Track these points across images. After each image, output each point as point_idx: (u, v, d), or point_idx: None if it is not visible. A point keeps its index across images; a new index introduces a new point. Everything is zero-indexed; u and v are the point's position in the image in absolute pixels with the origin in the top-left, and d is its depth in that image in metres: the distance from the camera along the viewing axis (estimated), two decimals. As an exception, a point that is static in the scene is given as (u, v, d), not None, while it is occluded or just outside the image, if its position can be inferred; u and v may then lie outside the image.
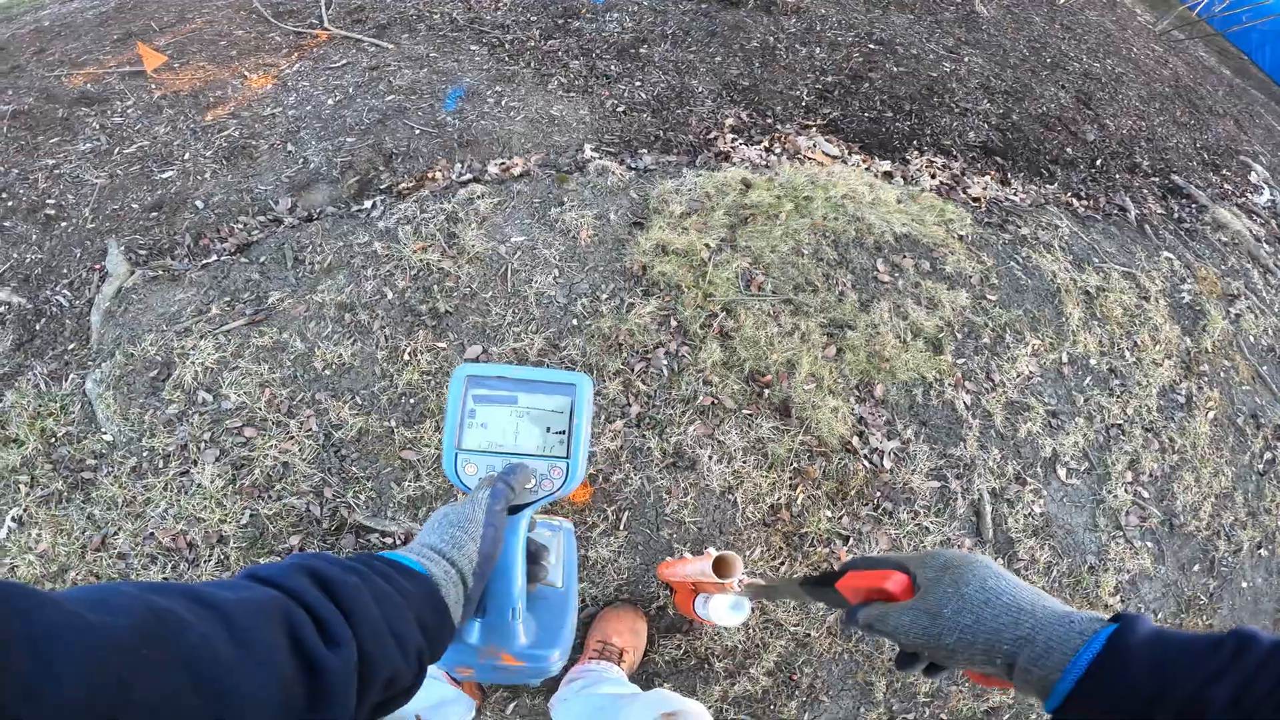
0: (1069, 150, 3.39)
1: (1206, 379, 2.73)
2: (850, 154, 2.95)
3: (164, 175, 2.69)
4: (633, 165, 2.66)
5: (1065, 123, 3.52)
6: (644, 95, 3.06)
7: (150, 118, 2.98)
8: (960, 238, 2.74)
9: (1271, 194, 4.05)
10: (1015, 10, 4.44)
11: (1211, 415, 2.65)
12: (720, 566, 1.29)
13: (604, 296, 2.22)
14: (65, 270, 2.37)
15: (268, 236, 2.42)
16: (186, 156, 2.77)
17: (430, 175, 2.57)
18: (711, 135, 2.88)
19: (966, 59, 3.70)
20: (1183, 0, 6.12)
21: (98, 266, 2.37)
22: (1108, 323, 2.69)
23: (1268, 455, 2.69)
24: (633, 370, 2.12)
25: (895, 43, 3.64)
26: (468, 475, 0.70)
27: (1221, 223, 3.50)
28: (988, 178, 3.08)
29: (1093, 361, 2.57)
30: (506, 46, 3.39)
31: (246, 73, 3.32)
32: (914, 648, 0.61)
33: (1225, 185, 3.85)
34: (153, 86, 3.19)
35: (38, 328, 2.20)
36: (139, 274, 2.30)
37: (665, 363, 2.13)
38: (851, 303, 2.35)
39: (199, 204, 2.57)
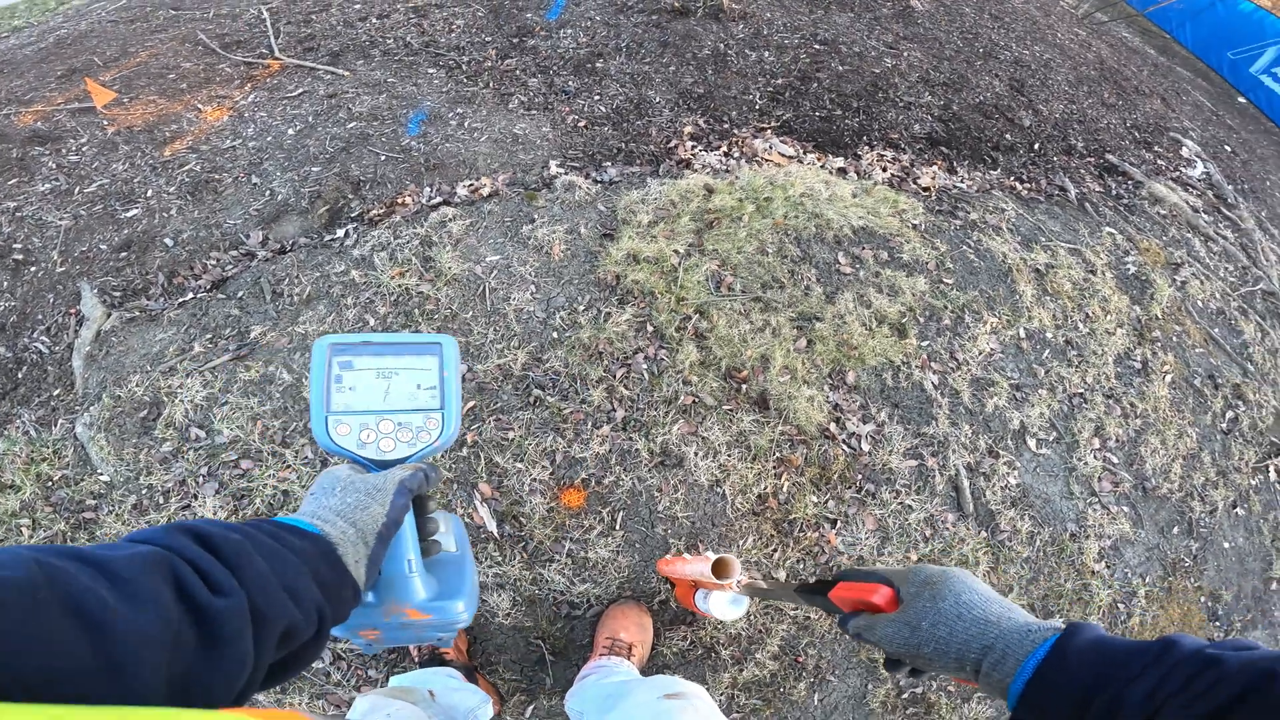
0: (1008, 136, 3.55)
1: (1160, 344, 2.89)
2: (805, 153, 3.07)
3: (129, 214, 2.69)
4: (598, 179, 2.74)
5: (1002, 110, 3.69)
6: (603, 109, 3.14)
7: (107, 155, 2.97)
8: (914, 226, 2.87)
9: (1204, 166, 4.28)
10: (947, 3, 4.63)
11: (1169, 379, 2.81)
12: (719, 568, 1.33)
13: (581, 308, 2.29)
14: (40, 316, 2.36)
15: (242, 271, 2.45)
16: (149, 193, 2.77)
17: (400, 200, 2.62)
18: (672, 144, 2.97)
19: (906, 54, 3.86)
20: None
21: (73, 310, 2.37)
22: (1059, 297, 2.84)
23: (1229, 414, 2.85)
24: (614, 377, 2.19)
25: (839, 42, 3.78)
26: (340, 435, 0.70)
27: (1158, 197, 3.70)
28: (935, 167, 3.23)
29: (1049, 335, 2.71)
30: (464, 68, 3.44)
31: (200, 105, 3.32)
32: (897, 656, 0.68)
33: (1159, 161, 4.06)
34: (105, 123, 3.18)
35: (20, 376, 2.20)
36: (116, 316, 2.31)
37: (645, 367, 2.21)
38: (817, 295, 2.46)
39: (168, 241, 2.58)
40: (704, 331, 2.30)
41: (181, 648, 0.40)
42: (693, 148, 2.96)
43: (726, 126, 3.11)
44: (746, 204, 2.61)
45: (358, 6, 4.13)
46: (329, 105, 3.21)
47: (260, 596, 0.46)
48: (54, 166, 2.91)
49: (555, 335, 2.24)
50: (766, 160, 2.97)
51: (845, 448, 2.26)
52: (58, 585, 0.35)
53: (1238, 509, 2.64)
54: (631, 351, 2.24)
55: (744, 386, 2.26)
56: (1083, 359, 2.71)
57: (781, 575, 2.03)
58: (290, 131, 3.05)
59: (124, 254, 2.55)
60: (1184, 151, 4.36)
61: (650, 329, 2.28)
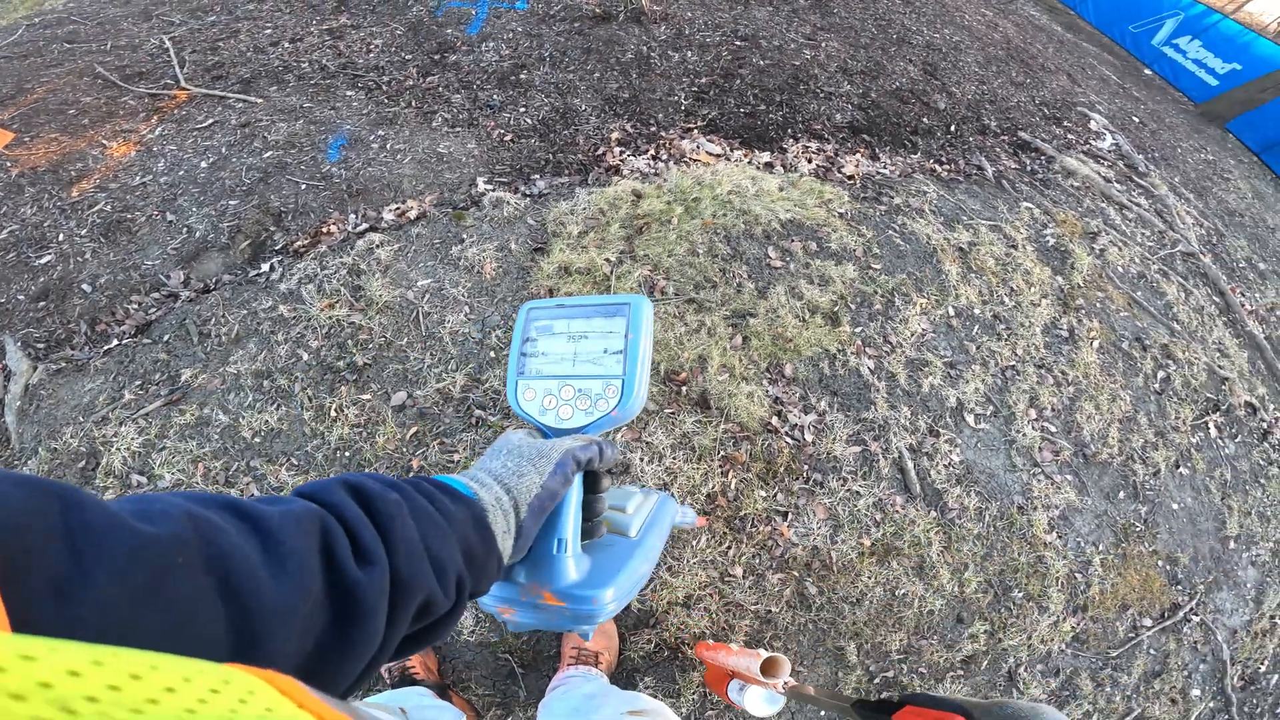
0: (925, 120, 3.67)
1: (1084, 312, 3.02)
2: (732, 150, 3.12)
3: (42, 260, 2.60)
4: (527, 192, 2.74)
5: (917, 95, 3.80)
6: (529, 121, 3.13)
7: (13, 199, 2.85)
8: (840, 215, 2.94)
9: (1113, 138, 4.48)
10: (860, -7, 4.76)
11: (1096, 344, 2.93)
12: (769, 668, 1.30)
13: (518, 324, 2.29)
14: None
15: (166, 314, 2.38)
16: (61, 238, 2.67)
17: (325, 230, 2.58)
18: (599, 151, 2.99)
19: (824, 44, 3.94)
20: None
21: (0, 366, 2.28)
22: (984, 274, 2.94)
23: (1161, 374, 2.97)
24: (557, 389, 2.20)
25: (759, 37, 3.84)
26: (526, 400, 0.70)
27: (1070, 170, 3.86)
28: (858, 155, 3.31)
29: (977, 311, 2.81)
30: (384, 88, 3.40)
31: (105, 141, 3.21)
32: None
33: (1069, 136, 4.23)
34: (7, 164, 3.05)
35: None
36: (42, 368, 2.24)
37: (586, 377, 2.22)
38: (750, 292, 2.51)
39: (86, 287, 2.49)
40: (642, 337, 2.32)
41: (315, 621, 0.40)
42: (621, 153, 2.98)
43: (653, 130, 3.14)
44: (675, 206, 2.64)
45: (268, 31, 4.04)
46: (242, 135, 3.13)
47: (405, 565, 0.45)
48: (-42, 215, 2.79)
49: (493, 355, 2.24)
50: (694, 160, 3.01)
51: (789, 440, 2.30)
52: (207, 543, 0.34)
53: (1181, 469, 2.72)
54: (571, 363, 2.25)
55: (684, 388, 2.29)
56: (1011, 332, 2.81)
57: (748, 594, 2.06)
58: (203, 164, 2.97)
59: (42, 303, 2.46)
60: (1092, 125, 4.55)
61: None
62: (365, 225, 2.58)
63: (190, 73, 3.63)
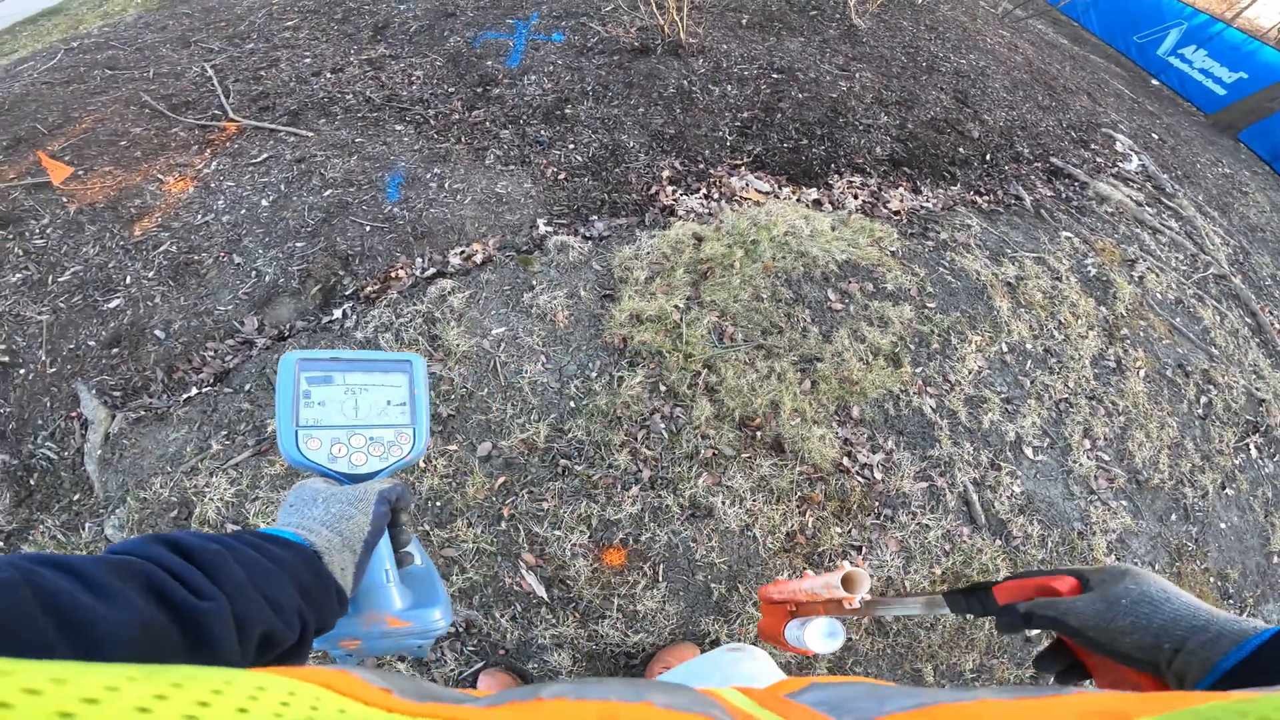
0: (961, 149, 3.72)
1: (1129, 341, 3.08)
2: (780, 188, 3.16)
3: (111, 305, 2.60)
4: (587, 235, 2.78)
5: (952, 124, 3.86)
6: (580, 158, 3.17)
7: (74, 237, 2.85)
8: (893, 254, 2.99)
9: (1139, 159, 4.55)
10: (885, 18, 4.81)
11: (1143, 373, 2.99)
12: (850, 582, 1.31)
13: (593, 375, 2.33)
14: (40, 420, 2.27)
15: (244, 361, 2.40)
16: (128, 280, 2.68)
17: (394, 274, 2.61)
18: (652, 190, 3.03)
19: (858, 75, 3.99)
20: None
21: (74, 414, 2.28)
22: (1033, 308, 3.00)
23: (1204, 399, 3.05)
24: (636, 439, 2.24)
25: (795, 69, 3.89)
26: (310, 449, 0.71)
27: (1104, 195, 3.92)
28: (901, 189, 3.36)
29: (1029, 346, 2.86)
30: (432, 123, 3.43)
31: (160, 175, 3.22)
32: (1082, 629, 0.63)
33: (1097, 159, 4.30)
34: (64, 200, 3.05)
35: (32, 483, 2.12)
36: (120, 417, 2.24)
37: (663, 426, 2.26)
38: (815, 336, 2.55)
39: (159, 333, 2.51)
40: (714, 385, 2.36)
41: (166, 649, 0.40)
42: (673, 192, 3.02)
43: (702, 166, 3.18)
44: (735, 249, 2.69)
45: (308, 60, 4.06)
46: (299, 171, 3.16)
47: (239, 600, 0.46)
48: (20, 253, 2.78)
49: (573, 405, 2.28)
50: (745, 198, 3.05)
51: (860, 478, 2.35)
52: (35, 586, 0.35)
53: (1227, 489, 2.82)
54: (648, 413, 2.29)
55: (759, 433, 2.33)
56: (1062, 365, 2.87)
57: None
58: (264, 203, 2.99)
59: (115, 350, 2.47)
60: (1118, 146, 4.62)
61: (663, 389, 2.33)
62: (433, 269, 2.61)
63: (236, 103, 3.66)
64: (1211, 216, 4.44)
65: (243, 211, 2.95)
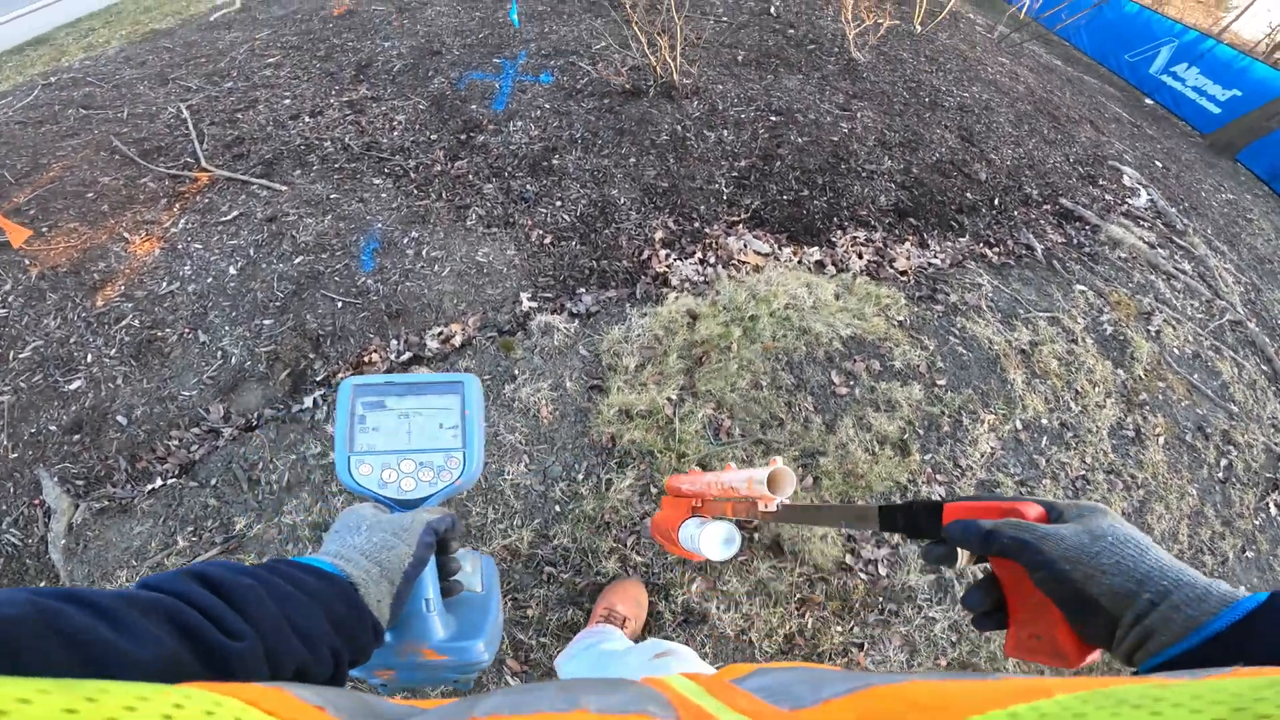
0: (968, 194, 3.55)
1: (1148, 407, 2.92)
2: (780, 247, 2.99)
3: (72, 386, 2.45)
4: (574, 311, 2.61)
5: (958, 165, 3.68)
6: (567, 217, 2.99)
7: (35, 307, 2.70)
8: (900, 324, 2.82)
9: (1148, 194, 4.38)
10: (885, 50, 4.62)
11: (1162, 441, 2.83)
12: (775, 481, 1.05)
13: (580, 476, 2.17)
14: (4, 506, 2.17)
15: (210, 453, 2.25)
16: (90, 359, 2.53)
17: (366, 358, 2.44)
18: (644, 255, 2.85)
19: (859, 114, 3.81)
20: (1010, 1, 6.45)
21: (37, 501, 2.17)
22: (1048, 378, 2.83)
23: (1224, 462, 2.90)
24: (625, 545, 2.08)
25: (794, 110, 3.71)
26: (362, 475, 0.71)
27: (1116, 239, 3.75)
28: (908, 244, 3.19)
29: (1044, 421, 2.70)
30: (412, 175, 3.25)
31: (126, 234, 3.07)
32: (1057, 559, 0.55)
33: (1106, 196, 4.13)
34: (26, 262, 2.89)
35: None
36: (84, 507, 2.14)
37: (655, 534, 2.11)
38: (817, 427, 2.38)
39: (121, 419, 2.36)
40: (711, 487, 2.20)
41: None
42: (667, 257, 2.85)
43: (697, 225, 3.01)
44: (733, 328, 2.51)
45: (288, 101, 3.88)
46: (270, 232, 2.99)
47: (271, 636, 0.46)
48: (-20, 322, 2.64)
49: (558, 509, 2.11)
50: (743, 262, 2.88)
51: (863, 576, 2.20)
52: (55, 622, 0.35)
53: (1247, 552, 2.70)
54: (639, 517, 2.12)
55: (756, 535, 2.18)
56: (1079, 439, 2.71)
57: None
58: (231, 270, 2.83)
59: (77, 436, 2.33)
60: (1125, 179, 4.45)
61: (654, 490, 2.17)
62: (408, 354, 2.44)
63: (210, 149, 3.48)
64: (1221, 252, 4.27)
65: (209, 280, 2.78)
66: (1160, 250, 3.91)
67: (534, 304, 2.65)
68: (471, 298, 2.66)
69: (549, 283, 2.75)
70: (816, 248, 3.03)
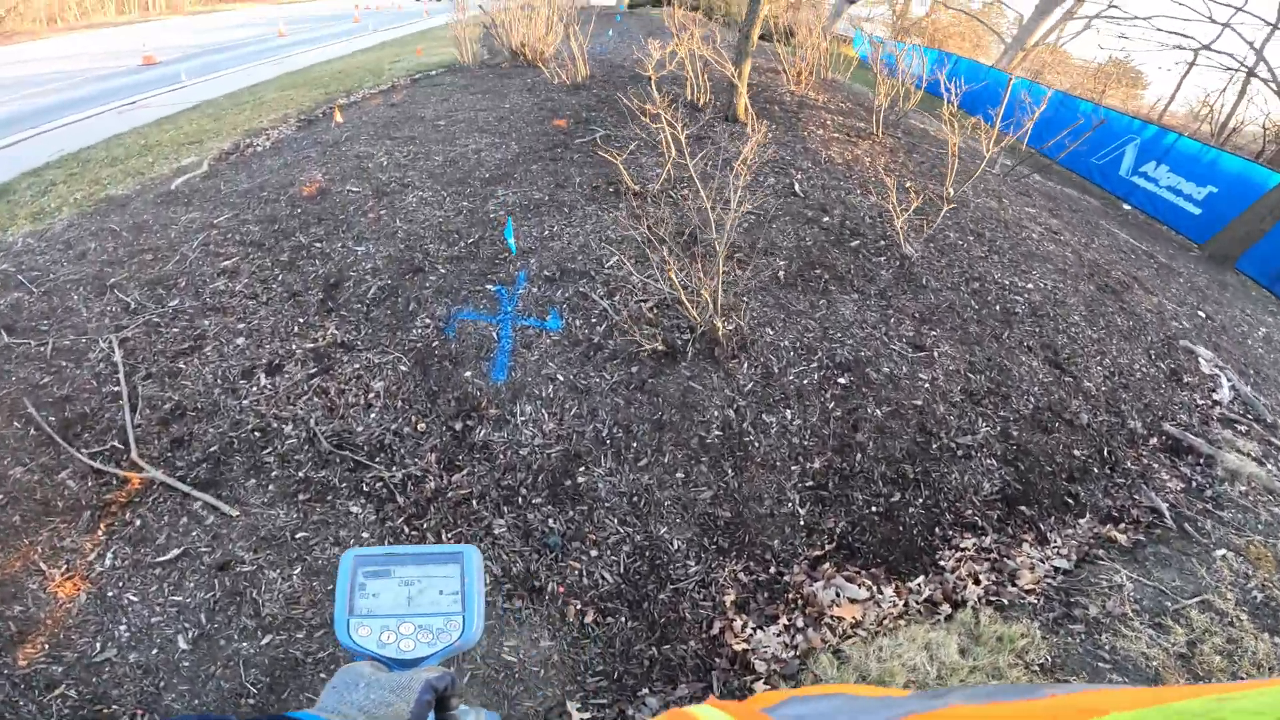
0: (1076, 452, 2.97)
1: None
2: (879, 586, 2.36)
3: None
4: (641, 739, 1.93)
5: (1056, 411, 3.11)
6: (609, 576, 2.32)
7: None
8: (1041, 667, 2.20)
9: (1227, 380, 3.88)
10: (933, 237, 4.10)
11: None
12: None
13: None
14: None
15: None
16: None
17: None
18: (716, 629, 2.19)
19: (936, 351, 3.23)
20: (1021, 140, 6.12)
21: None
22: (1212, 675, 2.26)
23: None
24: None
25: (863, 362, 3.10)
26: (361, 636, 0.68)
27: (1233, 470, 3.21)
28: (1025, 544, 2.59)
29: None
30: (398, 497, 2.58)
31: (44, 566, 2.45)
32: None
33: (1197, 399, 3.62)
34: None
35: None
36: None
37: None
38: None
39: None
40: None
41: None
42: (743, 628, 2.19)
43: (774, 570, 2.36)
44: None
45: (240, 342, 3.27)
46: (224, 590, 2.40)
47: None
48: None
49: None
50: (837, 617, 2.24)
51: None
52: None
53: None
54: None
55: None
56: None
57: None
58: (182, 644, 2.27)
59: None
60: (1202, 365, 3.98)
61: None
62: None
63: (143, 425, 2.89)
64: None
65: (155, 653, 2.23)
66: (1272, 466, 3.38)
67: (586, 716, 1.97)
68: (503, 710, 1.96)
69: (601, 684, 2.07)
70: (922, 577, 2.40)
